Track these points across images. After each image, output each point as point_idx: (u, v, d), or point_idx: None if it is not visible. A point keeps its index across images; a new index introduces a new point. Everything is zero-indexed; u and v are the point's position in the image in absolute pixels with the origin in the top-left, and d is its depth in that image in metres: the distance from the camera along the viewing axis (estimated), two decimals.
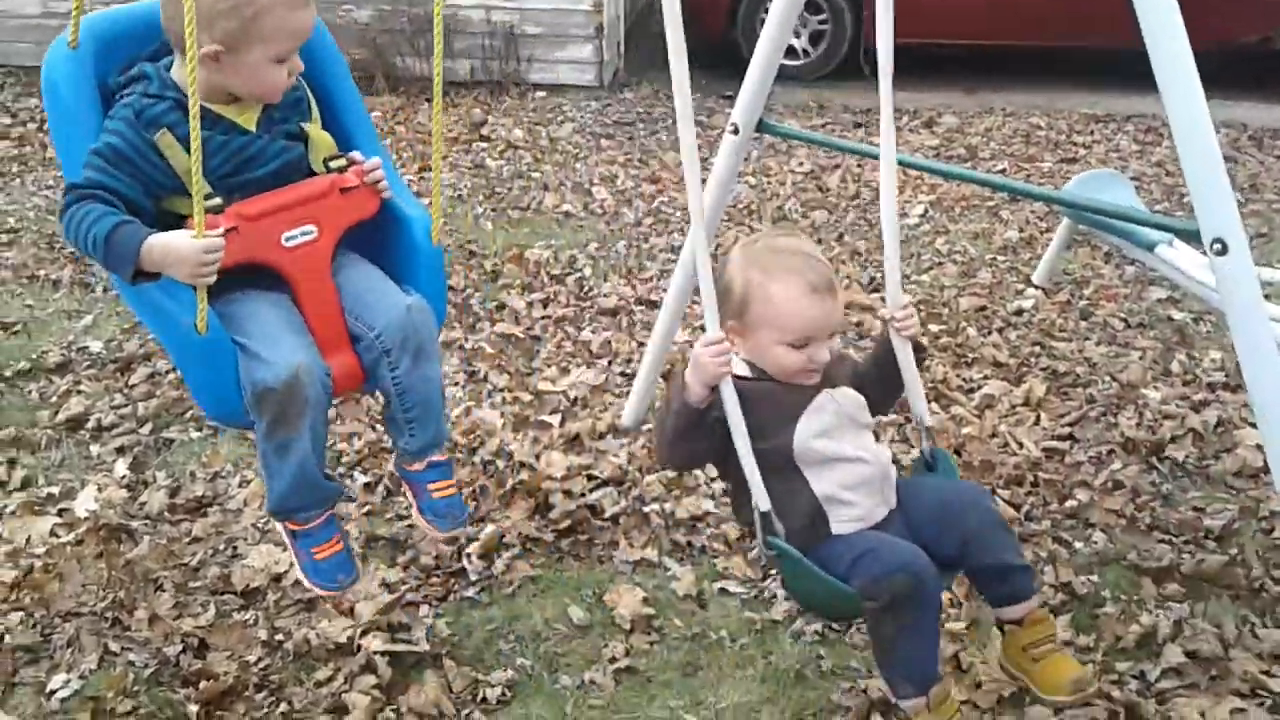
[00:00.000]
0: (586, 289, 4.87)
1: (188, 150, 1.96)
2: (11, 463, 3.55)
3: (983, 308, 4.71)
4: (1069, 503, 3.35)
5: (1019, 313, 4.67)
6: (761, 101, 2.99)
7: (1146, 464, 3.57)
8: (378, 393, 2.34)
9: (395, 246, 2.31)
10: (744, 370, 2.06)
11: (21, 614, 2.88)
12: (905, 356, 2.16)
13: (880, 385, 2.20)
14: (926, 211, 5.90)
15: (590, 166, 6.61)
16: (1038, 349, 4.34)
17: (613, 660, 2.78)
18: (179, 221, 2.07)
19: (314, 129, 2.23)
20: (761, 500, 1.94)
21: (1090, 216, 2.91)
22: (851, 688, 2.68)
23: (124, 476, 3.48)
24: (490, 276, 5.00)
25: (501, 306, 4.69)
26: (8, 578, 2.98)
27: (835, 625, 2.85)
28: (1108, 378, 4.11)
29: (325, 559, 2.29)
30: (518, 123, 7.45)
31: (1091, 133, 7.48)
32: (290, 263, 2.12)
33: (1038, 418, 3.82)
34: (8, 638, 2.80)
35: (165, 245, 1.95)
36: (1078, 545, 3.18)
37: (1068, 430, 3.76)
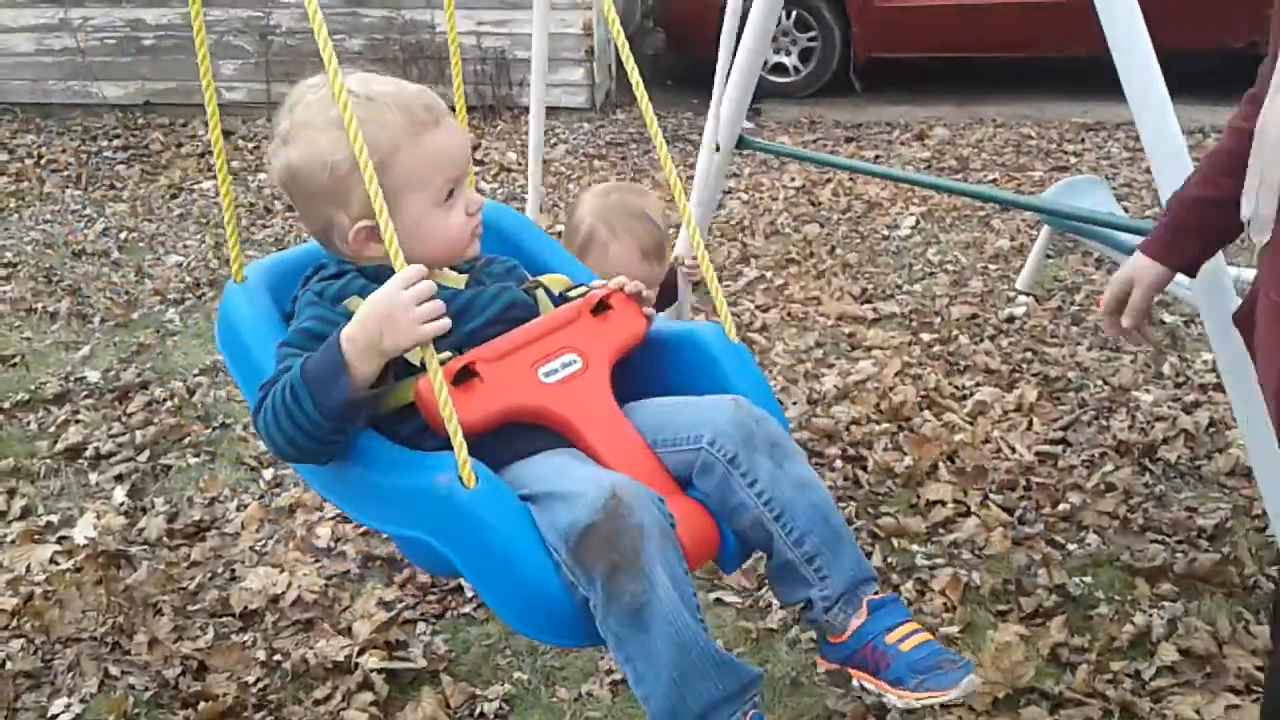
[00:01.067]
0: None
1: None
2: (11, 492, 3.58)
3: (974, 316, 4.73)
4: (1062, 506, 3.36)
5: (1010, 320, 4.69)
6: (740, 119, 3.03)
7: (1139, 466, 3.58)
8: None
9: (684, 369, 1.78)
10: None
11: (23, 641, 2.90)
12: (685, 291, 2.44)
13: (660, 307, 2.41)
14: (918, 222, 5.93)
15: (583, 187, 6.66)
16: (1029, 355, 4.36)
17: (609, 672, 2.79)
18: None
19: (543, 278, 1.84)
20: None
21: (1070, 223, 2.94)
22: (846, 694, 2.69)
23: (122, 503, 3.51)
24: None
25: None
26: (9, 605, 3.01)
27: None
28: (1099, 381, 4.12)
29: None
30: (511, 146, 7.51)
31: (1082, 140, 7.53)
32: (559, 402, 1.61)
33: (1030, 423, 3.84)
34: (9, 664, 2.82)
35: (359, 316, 1.50)
36: (1071, 547, 3.19)
37: (1060, 434, 3.78)
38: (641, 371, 1.77)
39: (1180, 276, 2.86)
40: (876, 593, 1.60)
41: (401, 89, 1.68)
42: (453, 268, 1.76)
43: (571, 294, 1.78)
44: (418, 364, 1.52)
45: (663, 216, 2.25)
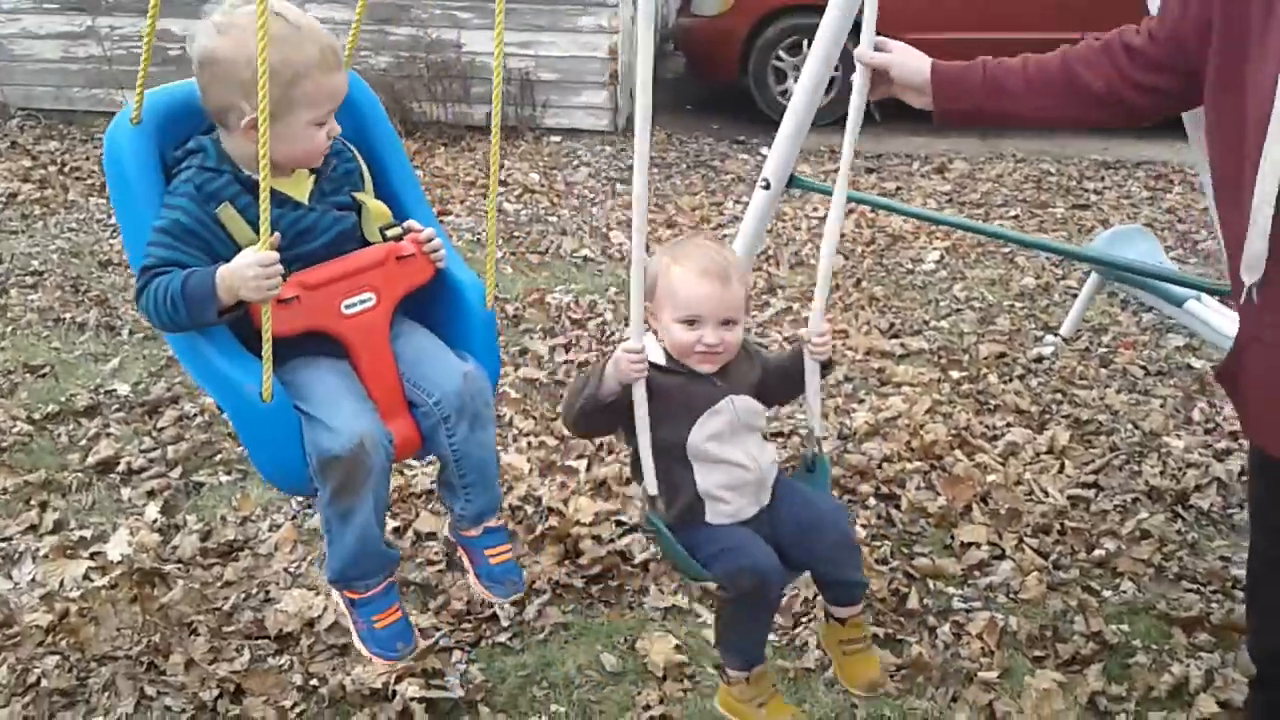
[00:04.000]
0: (608, 333, 4.91)
1: (247, 222, 2.05)
2: (43, 506, 3.57)
3: (1003, 354, 4.74)
4: (1097, 551, 3.36)
5: (1039, 359, 4.70)
6: (793, 157, 3.04)
7: (1172, 512, 3.58)
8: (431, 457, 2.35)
9: (449, 312, 2.33)
10: (660, 358, 2.17)
11: (58, 657, 2.89)
12: (813, 376, 2.30)
13: (781, 391, 2.36)
14: (942, 258, 5.95)
15: (606, 211, 6.68)
16: (1059, 396, 4.37)
17: (646, 708, 2.79)
18: None
19: (367, 198, 2.26)
20: (650, 486, 2.14)
21: (1124, 274, 2.95)
22: None
23: (155, 520, 3.50)
24: (512, 321, 5.04)
25: (524, 351, 4.73)
26: (43, 621, 3.00)
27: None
28: (1130, 425, 4.13)
29: (385, 627, 2.25)
30: (534, 167, 7.53)
31: (1102, 179, 7.56)
32: (350, 330, 2.15)
33: (1062, 465, 3.84)
34: (44, 681, 2.81)
35: (230, 268, 1.98)
36: (1106, 594, 3.19)
37: (1092, 478, 3.78)
38: (421, 296, 2.27)
39: (1226, 323, 2.89)
40: (495, 521, 2.38)
41: (322, 30, 2.09)
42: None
43: (389, 233, 2.23)
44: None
45: (738, 259, 2.25)
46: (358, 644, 2.30)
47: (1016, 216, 6.77)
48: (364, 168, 2.29)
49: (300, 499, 3.62)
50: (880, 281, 5.62)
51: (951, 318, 5.18)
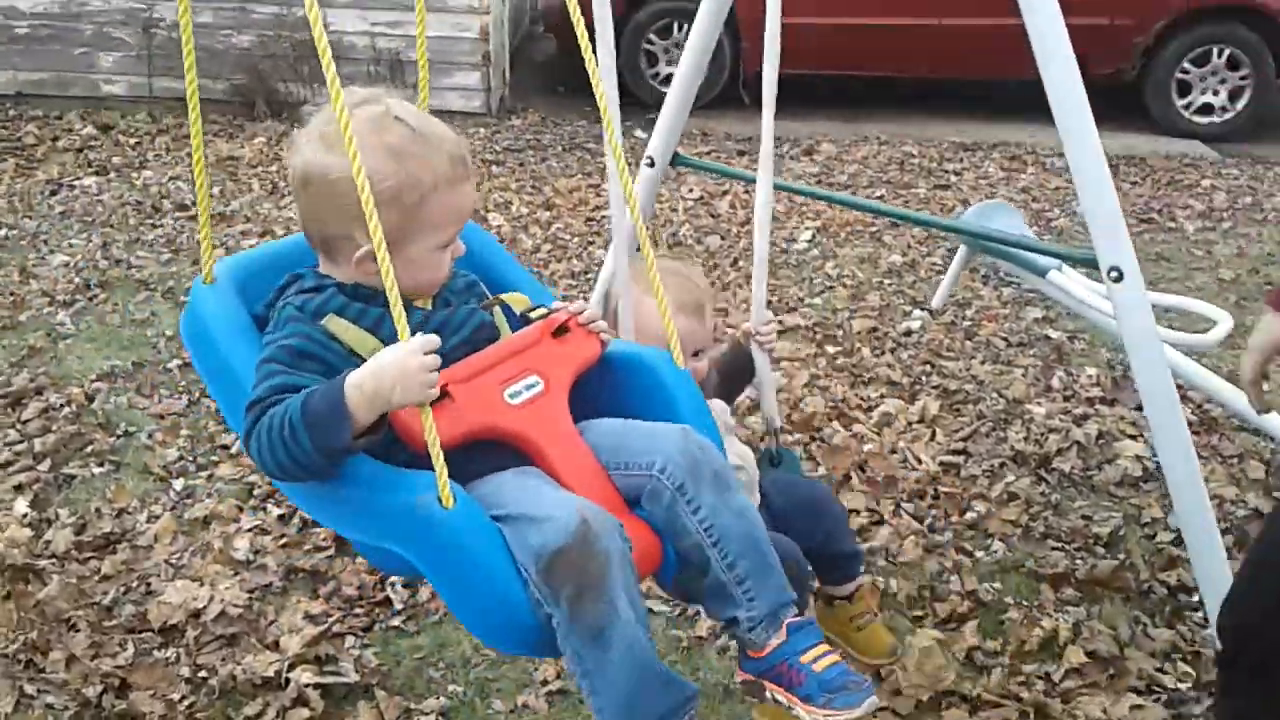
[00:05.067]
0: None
1: (363, 329, 1.70)
2: None
3: (874, 329, 4.91)
4: (968, 514, 3.53)
5: (908, 333, 4.88)
6: (677, 135, 3.09)
7: (1036, 475, 3.78)
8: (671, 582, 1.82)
9: (634, 391, 1.88)
10: None
11: None
12: (764, 366, 2.31)
13: (733, 386, 2.37)
14: (814, 236, 6.10)
15: (483, 194, 6.64)
16: (928, 368, 4.55)
17: (544, 683, 2.82)
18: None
19: (504, 295, 1.91)
20: None
21: (990, 245, 3.10)
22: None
23: (26, 515, 3.37)
24: None
25: None
26: None
27: None
28: (995, 394, 4.33)
29: None
30: None
31: (961, 160, 7.85)
32: (523, 422, 1.70)
33: (933, 433, 4.01)
34: None
35: (372, 369, 1.55)
36: (979, 554, 3.35)
37: (961, 445, 3.95)
38: (594, 392, 1.86)
39: (1086, 292, 3.05)
40: (796, 615, 1.74)
41: (448, 134, 1.74)
42: None
43: (533, 315, 1.86)
44: None
45: (707, 283, 2.23)
46: None
47: (882, 197, 6.98)
48: (480, 282, 1.95)
49: (185, 495, 3.53)
50: None
51: (825, 294, 5.33)
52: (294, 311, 1.71)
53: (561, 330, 1.82)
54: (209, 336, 1.79)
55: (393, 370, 1.53)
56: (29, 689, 2.72)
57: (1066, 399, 4.32)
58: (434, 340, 1.56)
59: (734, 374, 2.32)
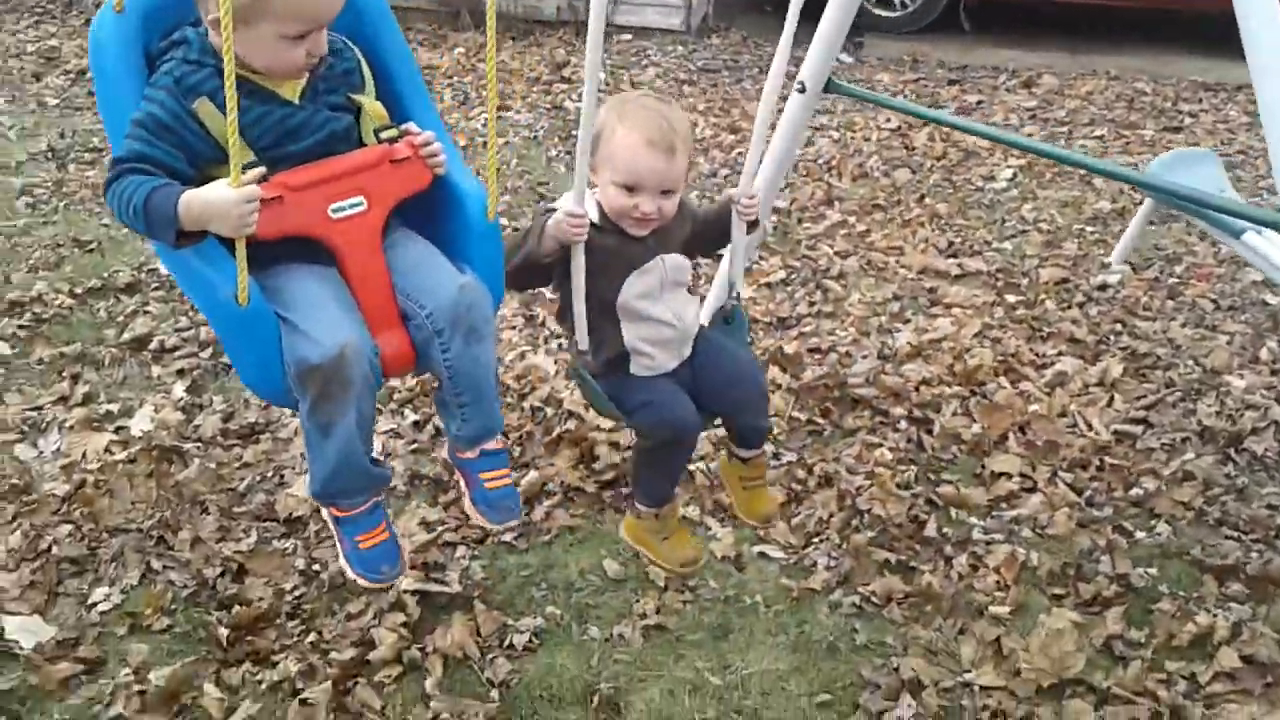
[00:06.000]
0: None
1: (227, 115, 1.85)
2: (75, 378, 3.61)
3: (1064, 280, 4.52)
4: (1134, 490, 3.21)
5: (1103, 288, 4.48)
6: (831, 59, 2.87)
7: (1223, 455, 3.40)
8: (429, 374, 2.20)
9: (450, 222, 2.16)
10: (595, 215, 2.17)
11: (71, 527, 2.94)
12: (740, 234, 2.35)
13: (708, 244, 2.42)
14: (1015, 176, 5.68)
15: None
16: (1119, 326, 4.16)
17: (643, 616, 2.75)
18: None
19: (365, 100, 2.10)
20: (581, 340, 2.20)
21: (1174, 200, 2.75)
22: (884, 665, 2.61)
23: (181, 399, 3.52)
24: None
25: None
26: (60, 491, 3.05)
27: (874, 600, 2.79)
28: (1190, 361, 3.92)
29: (370, 548, 2.16)
30: (601, 65, 7.34)
31: (1199, 101, 7.14)
32: (337, 235, 2.00)
33: (1111, 399, 3.67)
34: (55, 549, 2.86)
35: (203, 199, 1.84)
36: (1139, 535, 3.05)
37: (1142, 414, 3.60)
38: (420, 204, 2.11)
39: (1276, 257, 2.67)
40: (493, 444, 2.20)
41: None
42: None
43: (383, 135, 2.05)
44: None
45: (687, 127, 2.18)
46: (342, 563, 2.21)
47: (1101, 137, 6.43)
48: (365, 68, 2.13)
49: None
50: (945, 198, 5.39)
51: (1016, 239, 4.95)
52: (170, 81, 1.93)
53: (401, 159, 2.05)
54: (103, 67, 2.00)
55: (218, 208, 1.82)
56: (155, 564, 2.84)
57: (1274, 373, 3.86)
58: (253, 191, 1.83)
59: (708, 232, 2.36)
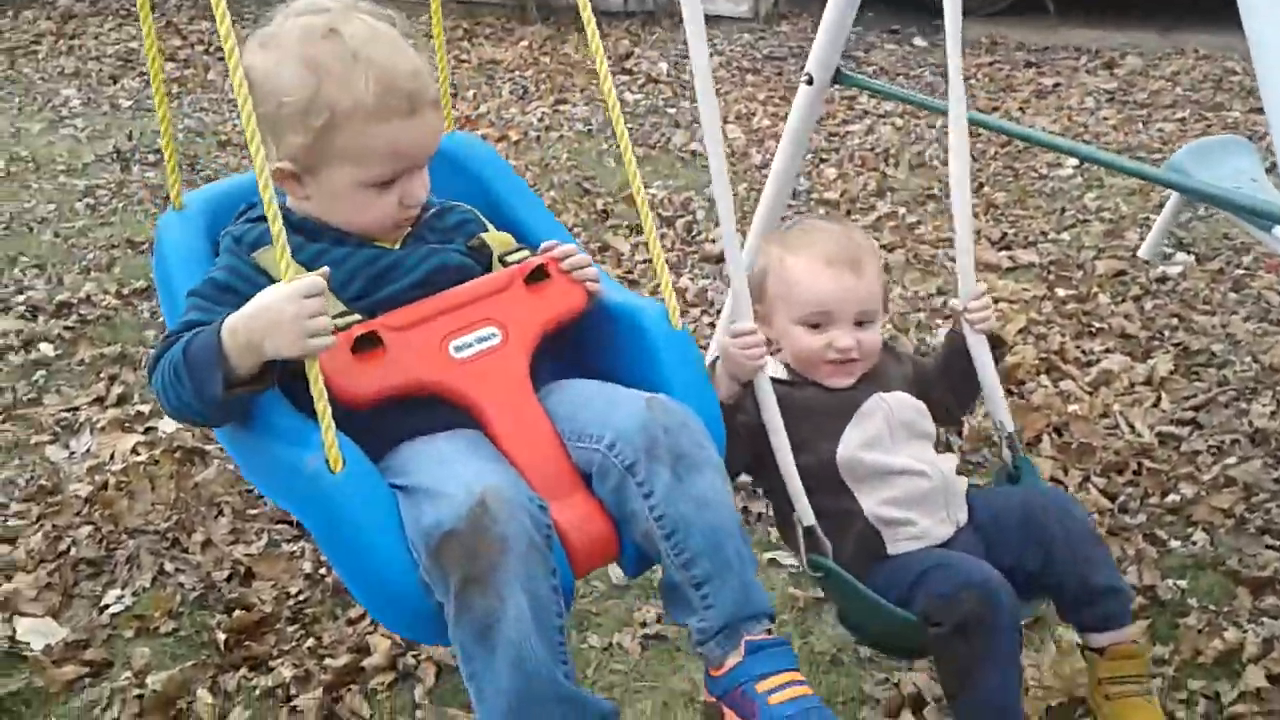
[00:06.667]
0: (695, 233, 4.73)
1: (297, 260, 1.46)
2: (113, 379, 3.71)
3: (1121, 273, 4.33)
4: (1171, 497, 3.05)
5: (1163, 279, 4.27)
6: (839, 48, 2.77)
7: (1274, 459, 3.21)
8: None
9: (623, 353, 1.65)
10: (782, 374, 1.86)
11: (91, 528, 3.01)
12: (981, 353, 1.91)
13: (951, 388, 1.96)
14: (1082, 163, 5.46)
15: (728, 103, 6.40)
16: (1174, 321, 3.96)
17: (643, 625, 2.70)
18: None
19: (485, 235, 1.72)
20: (805, 514, 1.74)
21: (1195, 194, 2.59)
22: (886, 680, 2.52)
23: None
24: (600, 216, 4.91)
25: (605, 248, 4.60)
26: (84, 492, 3.13)
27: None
28: (1249, 358, 3.71)
29: None
30: (664, 55, 7.28)
31: None
32: (466, 380, 1.50)
33: (1158, 399, 3.49)
34: (74, 550, 2.93)
35: (248, 311, 1.39)
36: (1173, 544, 2.89)
37: (1190, 415, 3.42)
38: (577, 347, 1.65)
39: None
40: (765, 633, 1.46)
41: (395, 62, 1.53)
42: None
43: (510, 258, 1.64)
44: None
45: (869, 241, 1.87)
46: None
47: (1182, 120, 6.15)
48: (482, 217, 1.77)
49: None
50: (1005, 187, 5.21)
51: (1075, 229, 4.76)
52: (231, 242, 1.61)
53: (539, 276, 1.59)
54: (165, 268, 1.70)
55: (270, 313, 1.35)
56: (169, 567, 2.89)
57: None
58: (317, 283, 1.35)
59: (944, 375, 1.92)
